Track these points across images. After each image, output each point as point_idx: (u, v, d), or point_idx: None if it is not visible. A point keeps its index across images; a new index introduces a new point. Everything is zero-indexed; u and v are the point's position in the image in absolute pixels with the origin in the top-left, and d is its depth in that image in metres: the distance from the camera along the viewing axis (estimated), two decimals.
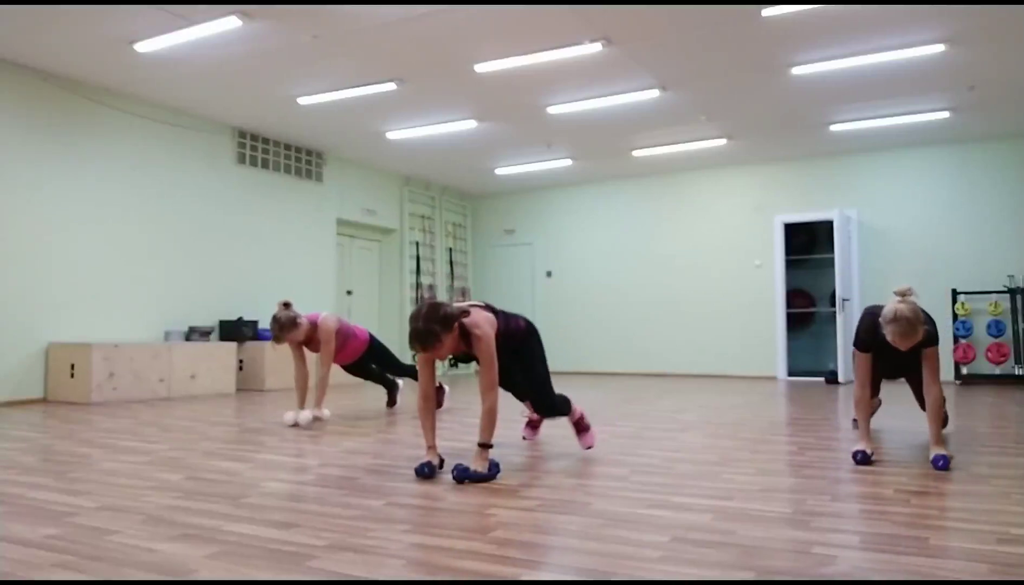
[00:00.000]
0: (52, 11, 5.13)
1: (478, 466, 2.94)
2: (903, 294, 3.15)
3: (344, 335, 5.05)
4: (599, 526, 2.25)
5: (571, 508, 2.48)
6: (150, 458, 3.48)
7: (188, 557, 1.95)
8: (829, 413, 5.27)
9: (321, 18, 5.29)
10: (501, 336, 3.19)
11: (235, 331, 7.55)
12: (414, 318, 2.89)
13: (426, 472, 2.99)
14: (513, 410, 5.35)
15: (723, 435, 4.21)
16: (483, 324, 3.03)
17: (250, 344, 7.62)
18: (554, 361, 10.68)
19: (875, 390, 4.02)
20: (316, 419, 4.84)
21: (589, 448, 3.59)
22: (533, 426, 4.02)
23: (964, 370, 8.31)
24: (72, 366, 6.15)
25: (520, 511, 2.45)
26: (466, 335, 3.02)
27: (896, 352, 3.38)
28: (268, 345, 7.59)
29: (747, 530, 2.20)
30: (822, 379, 8.79)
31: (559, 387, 7.86)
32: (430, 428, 3.11)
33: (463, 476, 2.89)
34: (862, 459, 3.33)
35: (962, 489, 2.76)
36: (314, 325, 4.82)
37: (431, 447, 3.08)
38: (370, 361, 5.38)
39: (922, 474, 3.04)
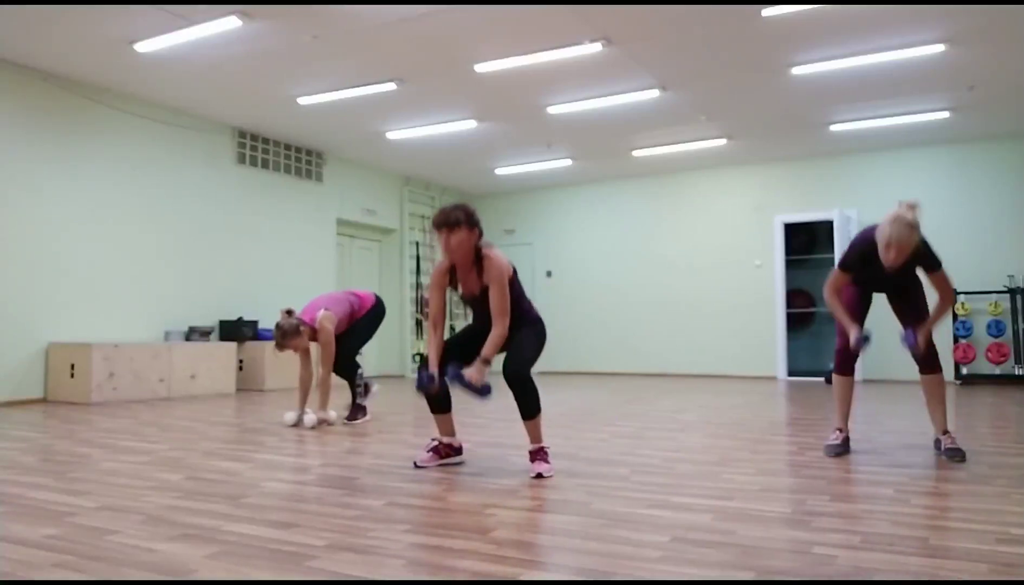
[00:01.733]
0: (52, 11, 5.13)
1: (474, 376, 2.90)
2: (911, 207, 3.19)
3: (348, 315, 4.86)
4: (599, 526, 2.25)
5: (571, 508, 2.48)
6: (150, 458, 3.48)
7: (188, 557, 1.95)
8: (829, 413, 5.27)
9: (321, 18, 5.29)
10: (514, 295, 3.10)
11: (235, 331, 7.55)
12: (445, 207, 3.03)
13: (424, 382, 2.99)
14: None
15: (723, 435, 4.21)
16: (500, 255, 3.09)
17: (250, 344, 7.62)
18: (554, 361, 10.68)
19: (859, 324, 3.62)
20: (322, 422, 4.71)
21: (538, 476, 2.98)
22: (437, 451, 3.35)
23: (964, 370, 8.30)
24: (72, 366, 6.15)
25: (520, 511, 2.45)
26: (480, 266, 3.04)
27: (886, 279, 3.40)
28: (268, 345, 7.59)
29: (747, 530, 2.20)
30: (822, 379, 8.79)
31: (559, 385, 7.86)
32: (436, 347, 3.12)
33: (455, 377, 2.86)
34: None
35: (962, 489, 2.76)
36: (314, 330, 4.71)
37: (439, 367, 3.06)
38: (359, 330, 4.98)
39: (922, 474, 3.04)
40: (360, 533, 2.18)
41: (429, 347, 3.17)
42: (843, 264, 3.42)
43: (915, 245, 3.15)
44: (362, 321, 4.98)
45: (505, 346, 3.17)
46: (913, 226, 3.11)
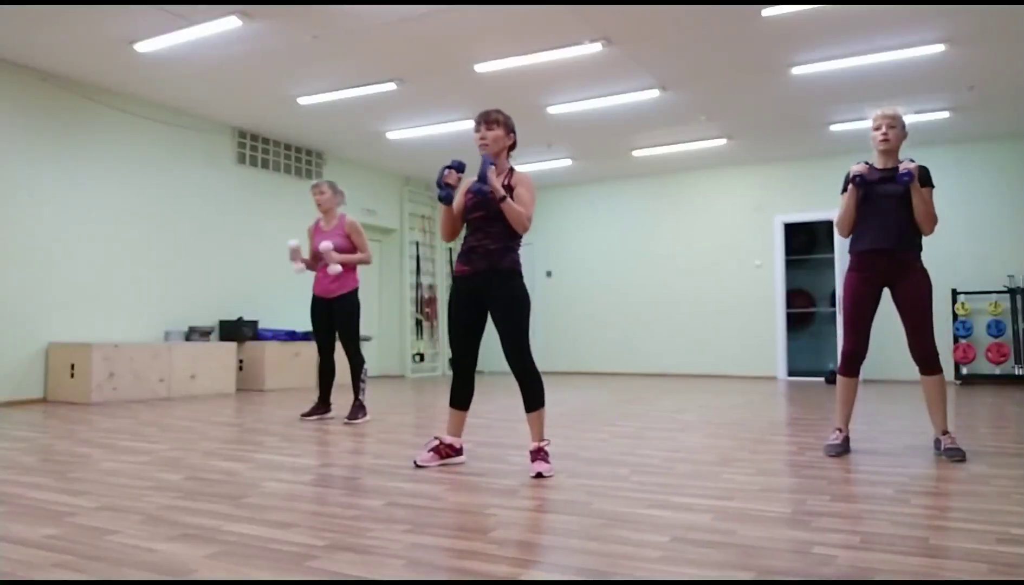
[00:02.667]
0: (52, 11, 5.13)
1: (493, 179, 3.08)
2: None
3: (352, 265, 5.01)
4: (599, 526, 2.25)
5: (571, 508, 2.48)
6: (150, 458, 3.48)
7: (188, 557, 1.95)
8: (829, 413, 5.27)
9: (321, 18, 5.29)
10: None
11: (235, 331, 7.55)
12: None
13: (443, 173, 3.15)
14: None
15: (723, 435, 4.21)
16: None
17: (250, 344, 7.62)
18: (554, 361, 10.67)
19: (864, 340, 3.58)
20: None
21: (538, 476, 3.00)
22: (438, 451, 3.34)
23: (964, 370, 8.30)
24: (72, 366, 6.15)
25: (520, 511, 2.45)
26: (509, 175, 3.21)
27: (883, 187, 3.47)
28: (268, 345, 7.59)
29: (747, 530, 2.20)
30: (822, 379, 8.79)
31: (559, 385, 7.86)
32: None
33: (484, 169, 3.07)
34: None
35: (962, 489, 2.76)
36: (342, 217, 4.99)
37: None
38: (336, 322, 4.99)
39: (922, 474, 3.04)
40: (360, 533, 2.18)
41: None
42: (844, 188, 3.59)
43: (900, 115, 3.47)
44: (348, 303, 4.97)
45: (490, 305, 3.20)
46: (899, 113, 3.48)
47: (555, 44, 5.75)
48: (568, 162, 9.60)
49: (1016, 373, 8.07)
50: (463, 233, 3.33)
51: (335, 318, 4.98)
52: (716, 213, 9.89)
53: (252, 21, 5.29)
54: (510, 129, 3.28)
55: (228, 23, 5.27)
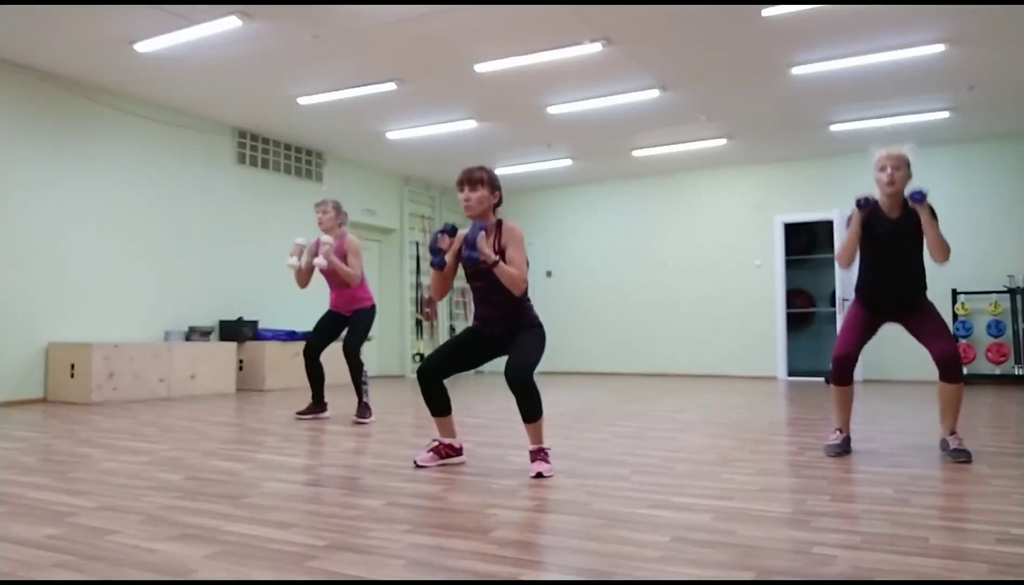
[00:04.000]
0: (52, 11, 5.13)
1: (483, 244, 3.05)
2: None
3: (361, 282, 5.03)
4: (599, 526, 2.25)
5: (571, 508, 2.48)
6: (150, 458, 3.48)
7: (188, 557, 1.95)
8: (829, 413, 5.27)
9: (321, 18, 5.29)
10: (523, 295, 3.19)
11: (235, 331, 7.55)
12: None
13: (436, 236, 3.18)
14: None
15: (723, 435, 4.21)
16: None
17: (250, 344, 7.62)
18: (554, 361, 10.67)
19: (855, 349, 3.56)
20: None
21: (538, 476, 3.00)
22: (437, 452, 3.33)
23: (964, 370, 8.27)
24: (72, 366, 6.15)
25: (520, 511, 2.45)
26: (499, 231, 3.18)
27: (889, 232, 3.42)
28: (268, 345, 7.59)
29: (747, 530, 2.20)
30: (822, 379, 8.78)
31: (559, 385, 7.86)
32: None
33: (473, 236, 3.04)
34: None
35: (962, 489, 2.76)
36: (343, 238, 4.99)
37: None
38: (349, 328, 5.03)
39: (922, 474, 3.04)
40: (360, 533, 2.18)
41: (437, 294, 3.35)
42: (848, 217, 3.51)
43: (906, 156, 3.37)
44: (364, 314, 5.01)
45: (505, 348, 3.18)
46: (905, 155, 3.40)
47: (555, 44, 5.75)
48: (568, 162, 9.60)
49: (1016, 373, 8.07)
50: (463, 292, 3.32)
51: (350, 325, 5.00)
52: (716, 213, 9.89)
53: (252, 21, 5.29)
54: (495, 187, 3.21)
55: (228, 23, 5.27)
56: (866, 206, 3.41)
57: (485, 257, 3.04)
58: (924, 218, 3.33)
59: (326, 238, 4.91)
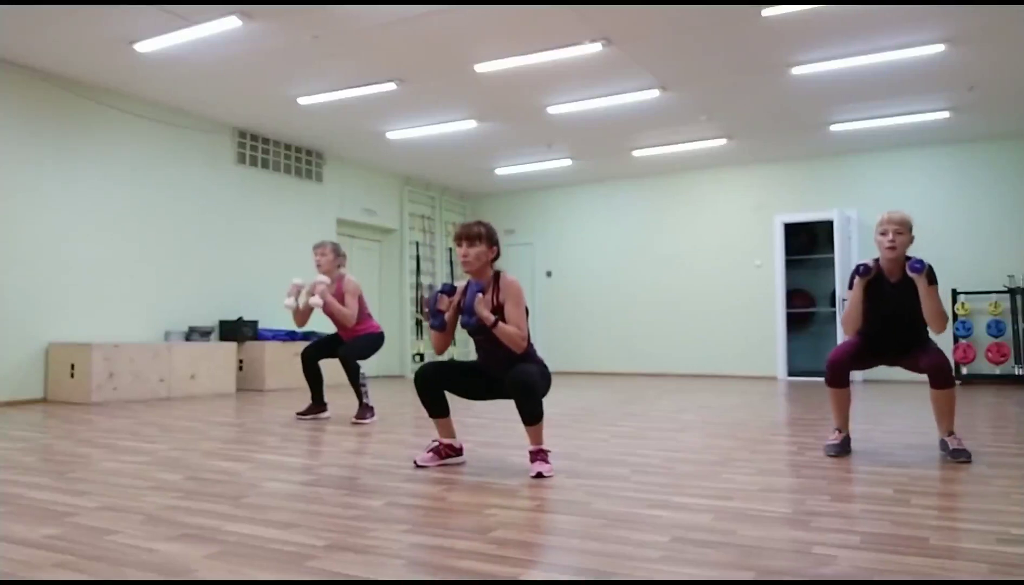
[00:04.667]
0: (52, 11, 5.13)
1: (481, 306, 3.06)
2: None
3: (361, 312, 5.02)
4: (599, 526, 2.25)
5: (571, 508, 2.48)
6: (150, 458, 3.48)
7: (188, 557, 1.95)
8: (829, 413, 5.27)
9: (321, 18, 5.29)
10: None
11: (235, 331, 7.55)
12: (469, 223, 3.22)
13: (444, 289, 3.23)
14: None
15: (723, 435, 4.21)
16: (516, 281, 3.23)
17: (250, 344, 7.62)
18: (554, 361, 10.67)
19: (850, 361, 3.59)
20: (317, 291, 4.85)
21: (538, 476, 3.00)
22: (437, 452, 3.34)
23: (964, 370, 8.30)
24: (72, 366, 6.15)
25: (520, 511, 2.45)
26: (496, 285, 3.16)
27: (890, 295, 3.42)
28: (268, 345, 7.59)
29: (747, 530, 2.20)
30: (822, 379, 8.77)
31: (559, 385, 7.85)
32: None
33: (472, 298, 3.09)
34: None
35: (962, 489, 2.76)
36: (340, 279, 4.98)
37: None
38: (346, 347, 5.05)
39: (922, 474, 3.04)
40: (360, 533, 2.18)
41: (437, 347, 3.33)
42: (850, 282, 3.49)
43: (908, 220, 3.37)
44: (365, 338, 5.03)
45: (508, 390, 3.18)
46: (906, 217, 3.40)
47: (555, 44, 5.75)
48: (568, 162, 9.60)
49: (1016, 373, 8.07)
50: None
51: (352, 341, 4.99)
52: (716, 213, 9.89)
53: (252, 21, 5.29)
54: (493, 242, 3.19)
55: (228, 23, 5.27)
56: (867, 273, 3.42)
57: (484, 320, 3.04)
58: (922, 289, 3.33)
59: (322, 278, 4.87)
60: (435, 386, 3.23)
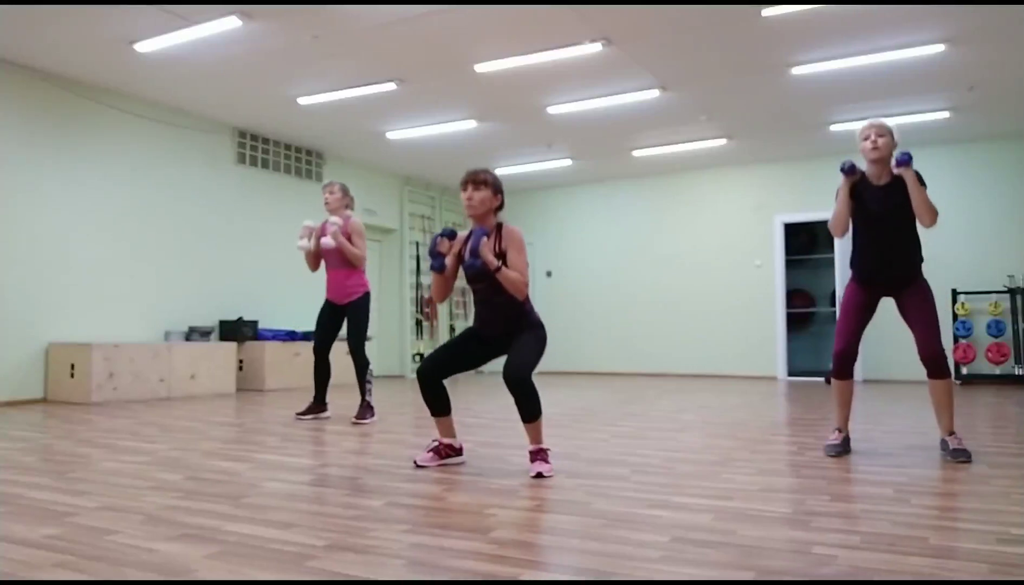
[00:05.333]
0: (52, 11, 5.13)
1: (485, 250, 3.10)
2: None
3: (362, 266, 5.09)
4: (599, 526, 2.25)
5: (571, 508, 2.48)
6: (150, 458, 3.48)
7: (188, 557, 1.95)
8: (829, 413, 5.27)
9: (321, 18, 5.29)
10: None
11: (235, 331, 7.55)
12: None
13: (445, 233, 3.26)
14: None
15: (723, 435, 4.21)
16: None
17: (250, 344, 7.62)
18: (554, 361, 10.67)
19: (854, 342, 3.57)
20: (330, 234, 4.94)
21: (538, 476, 3.00)
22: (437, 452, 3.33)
23: (964, 370, 8.31)
24: (72, 366, 6.15)
25: (520, 511, 2.45)
26: (499, 234, 3.19)
27: (877, 196, 3.45)
28: (268, 345, 7.59)
29: (747, 530, 2.20)
30: (822, 379, 8.79)
31: (559, 385, 7.85)
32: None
33: (475, 244, 3.10)
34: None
35: (962, 489, 2.76)
36: (347, 220, 5.04)
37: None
38: (348, 323, 5.05)
39: (922, 474, 3.04)
40: (360, 533, 2.18)
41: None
42: (837, 193, 3.56)
43: (890, 126, 3.43)
44: (360, 306, 5.01)
45: (506, 349, 3.19)
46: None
47: (555, 44, 5.75)
48: (568, 162, 9.60)
49: (1016, 373, 8.07)
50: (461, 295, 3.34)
51: (348, 321, 5.02)
52: (716, 213, 9.89)
53: (252, 21, 5.29)
54: (498, 190, 3.25)
55: (228, 23, 5.27)
56: (851, 171, 3.46)
57: (488, 263, 3.06)
58: (909, 181, 3.35)
59: (334, 219, 4.96)
60: (434, 377, 3.23)
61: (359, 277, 5.07)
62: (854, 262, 3.59)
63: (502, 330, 3.19)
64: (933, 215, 3.35)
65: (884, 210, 3.44)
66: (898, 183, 3.42)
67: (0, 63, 6.04)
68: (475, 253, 3.08)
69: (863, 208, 3.48)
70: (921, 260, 3.52)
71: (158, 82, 6.61)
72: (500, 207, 3.26)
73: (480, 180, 3.20)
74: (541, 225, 11.11)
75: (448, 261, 3.25)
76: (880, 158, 3.44)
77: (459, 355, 3.27)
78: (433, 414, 3.28)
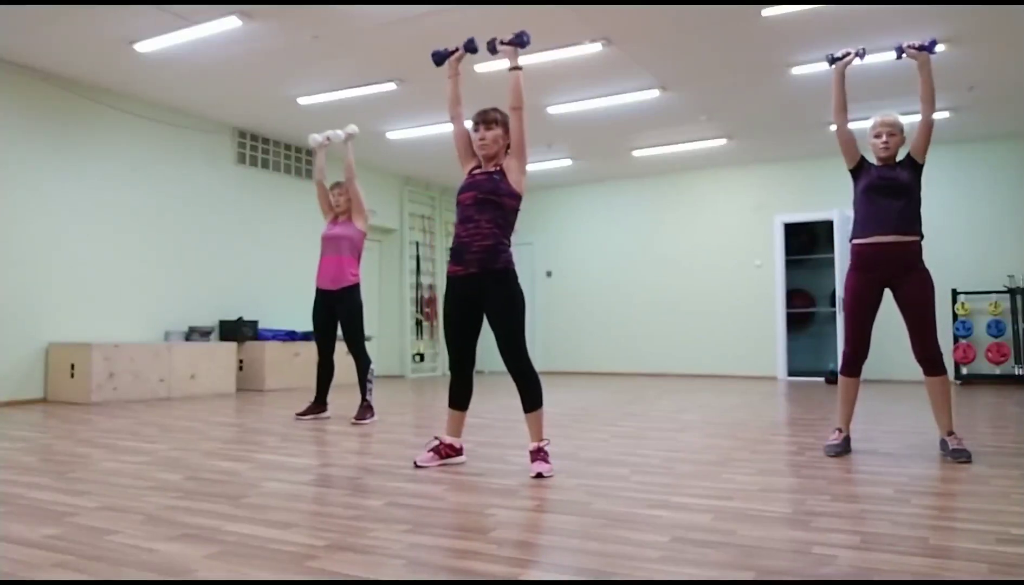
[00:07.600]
0: (52, 11, 5.13)
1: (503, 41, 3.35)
2: None
3: (359, 250, 5.16)
4: (599, 526, 2.25)
5: (571, 508, 2.48)
6: (150, 458, 3.48)
7: (188, 557, 1.95)
8: (829, 413, 5.27)
9: (321, 18, 5.29)
10: (512, 214, 3.29)
11: (235, 331, 7.55)
12: None
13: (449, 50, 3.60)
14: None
15: (723, 435, 4.21)
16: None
17: (250, 344, 7.62)
18: (554, 361, 10.67)
19: (865, 342, 3.57)
20: (349, 137, 5.10)
21: (538, 476, 2.99)
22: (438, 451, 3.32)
23: (964, 370, 8.30)
24: (72, 366, 6.15)
25: (520, 511, 2.45)
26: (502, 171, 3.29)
27: (883, 171, 3.57)
28: (268, 345, 7.59)
29: (747, 530, 2.20)
30: (822, 379, 8.79)
31: (559, 385, 7.85)
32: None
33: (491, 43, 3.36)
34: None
35: (962, 489, 2.76)
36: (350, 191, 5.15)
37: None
38: (340, 321, 5.04)
39: (922, 474, 3.04)
40: (360, 533, 2.18)
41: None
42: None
43: (901, 122, 3.60)
44: (351, 299, 5.02)
45: (484, 309, 3.20)
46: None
47: (555, 44, 5.75)
48: (568, 162, 9.60)
49: (1016, 373, 8.07)
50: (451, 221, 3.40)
51: (338, 317, 5.01)
52: (716, 213, 9.89)
53: (252, 21, 5.29)
54: (508, 127, 3.31)
55: (228, 23, 5.27)
56: (834, 61, 3.66)
57: (509, 54, 3.35)
58: (924, 66, 3.55)
59: (352, 127, 5.15)
60: (465, 361, 3.28)
61: (353, 266, 5.08)
62: (854, 235, 3.57)
63: (477, 268, 3.14)
64: (934, 105, 3.57)
65: (889, 181, 3.50)
66: (905, 164, 3.52)
67: (0, 63, 6.04)
68: (522, 41, 3.32)
69: (868, 180, 3.54)
70: (922, 236, 3.50)
71: (158, 82, 6.61)
72: (509, 146, 3.32)
73: (491, 119, 3.29)
74: (541, 225, 11.11)
75: (452, 63, 3.66)
76: (890, 157, 3.56)
77: (462, 331, 3.26)
78: (452, 406, 3.31)
